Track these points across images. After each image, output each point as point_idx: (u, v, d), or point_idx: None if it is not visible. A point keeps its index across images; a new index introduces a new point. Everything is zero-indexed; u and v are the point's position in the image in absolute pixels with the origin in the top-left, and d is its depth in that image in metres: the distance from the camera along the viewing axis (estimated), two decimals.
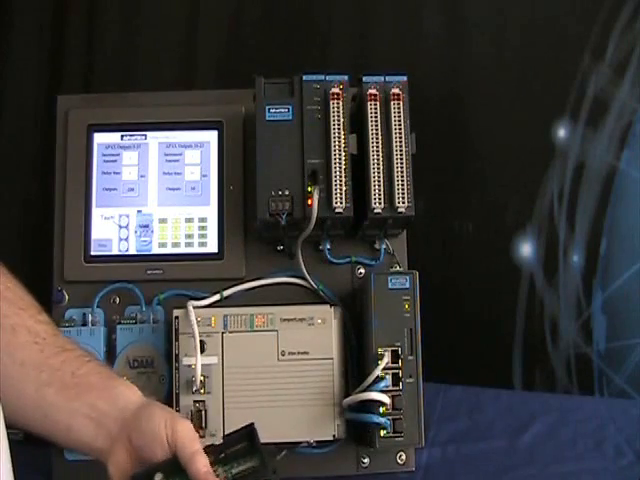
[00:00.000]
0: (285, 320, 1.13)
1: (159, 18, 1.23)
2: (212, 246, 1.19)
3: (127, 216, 1.19)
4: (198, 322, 1.11)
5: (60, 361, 0.91)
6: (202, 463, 0.85)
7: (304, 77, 1.14)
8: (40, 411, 0.90)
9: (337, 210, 1.10)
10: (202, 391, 1.10)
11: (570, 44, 1.71)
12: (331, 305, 1.15)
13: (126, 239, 1.19)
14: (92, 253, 1.19)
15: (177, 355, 1.11)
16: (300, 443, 1.12)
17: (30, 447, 1.08)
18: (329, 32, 1.56)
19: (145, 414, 0.89)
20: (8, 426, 0.82)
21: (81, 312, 1.18)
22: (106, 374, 0.92)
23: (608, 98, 1.69)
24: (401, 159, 1.12)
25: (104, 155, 1.20)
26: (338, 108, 1.12)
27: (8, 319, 0.91)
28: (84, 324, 1.17)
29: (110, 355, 1.16)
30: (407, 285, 1.09)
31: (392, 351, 1.08)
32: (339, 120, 1.12)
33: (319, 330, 1.13)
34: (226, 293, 1.17)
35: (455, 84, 1.71)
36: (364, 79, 1.15)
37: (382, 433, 1.06)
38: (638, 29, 1.69)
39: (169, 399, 1.12)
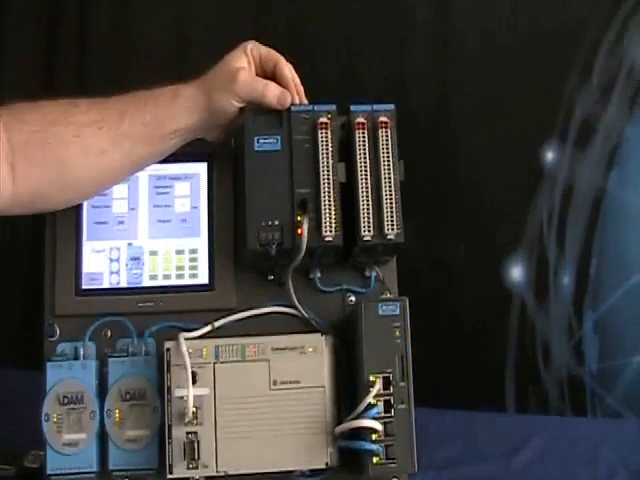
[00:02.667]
0: (277, 349, 1.12)
1: (148, 53, 1.24)
2: (203, 277, 1.18)
3: (118, 249, 1.19)
4: (190, 353, 1.10)
5: (127, 126, 1.08)
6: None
7: (292, 108, 1.13)
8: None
9: (327, 239, 1.10)
10: (194, 422, 1.09)
11: (556, 67, 1.72)
12: (322, 334, 1.14)
13: (117, 272, 1.18)
14: (83, 287, 1.18)
15: (169, 387, 1.10)
16: (293, 472, 1.11)
17: None
18: (317, 62, 1.57)
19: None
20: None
21: (73, 346, 1.16)
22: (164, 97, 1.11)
23: (595, 119, 1.70)
24: (390, 186, 1.11)
25: None
26: (326, 137, 1.12)
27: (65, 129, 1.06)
28: (76, 358, 1.16)
29: (102, 388, 1.14)
30: (397, 312, 1.09)
31: (383, 378, 1.07)
32: (327, 149, 1.12)
33: (310, 359, 1.12)
34: (217, 324, 1.16)
35: (443, 110, 1.71)
36: (352, 108, 1.15)
37: (375, 460, 1.06)
38: (623, 50, 1.70)
39: (162, 431, 1.11)
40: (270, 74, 1.15)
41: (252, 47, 1.15)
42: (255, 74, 1.15)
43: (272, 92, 1.12)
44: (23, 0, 1.86)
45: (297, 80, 1.16)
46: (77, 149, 1.07)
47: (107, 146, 1.08)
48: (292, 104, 1.13)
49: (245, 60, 1.14)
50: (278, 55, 1.15)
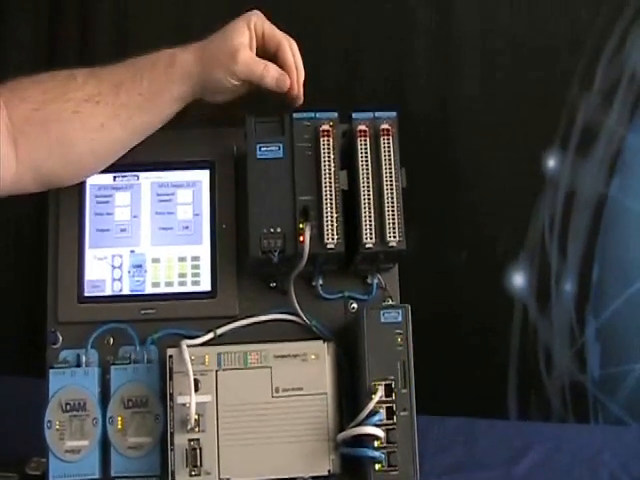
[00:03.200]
0: (279, 357, 1.12)
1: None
2: (205, 285, 1.18)
3: (120, 256, 1.19)
4: (192, 360, 1.10)
5: (124, 98, 1.09)
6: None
7: (294, 115, 1.14)
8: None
9: (329, 246, 1.10)
10: (197, 429, 1.09)
11: (558, 74, 1.72)
12: (324, 341, 1.14)
13: (119, 279, 1.18)
14: (86, 294, 1.18)
15: (171, 394, 1.10)
16: (295, 479, 1.11)
17: None
18: (318, 68, 1.57)
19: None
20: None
21: (75, 353, 1.16)
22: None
23: (597, 126, 1.70)
24: (391, 194, 1.12)
25: (97, 196, 1.20)
26: (328, 145, 1.13)
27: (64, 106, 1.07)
28: (78, 365, 1.15)
29: (104, 395, 1.14)
30: (399, 319, 1.09)
31: (385, 385, 1.07)
32: (329, 157, 1.12)
33: (313, 366, 1.12)
34: (220, 331, 1.16)
35: (444, 116, 1.71)
36: (354, 115, 1.15)
37: (377, 467, 1.06)
38: (625, 57, 1.70)
39: (164, 438, 1.11)
40: (271, 54, 1.15)
41: (256, 21, 1.14)
42: (255, 52, 1.14)
43: (271, 75, 1.13)
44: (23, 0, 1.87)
45: (299, 62, 1.16)
46: (77, 125, 1.08)
47: (105, 120, 1.09)
48: (294, 110, 1.14)
49: (247, 35, 1.13)
50: (281, 36, 1.15)
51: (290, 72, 1.14)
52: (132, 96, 1.10)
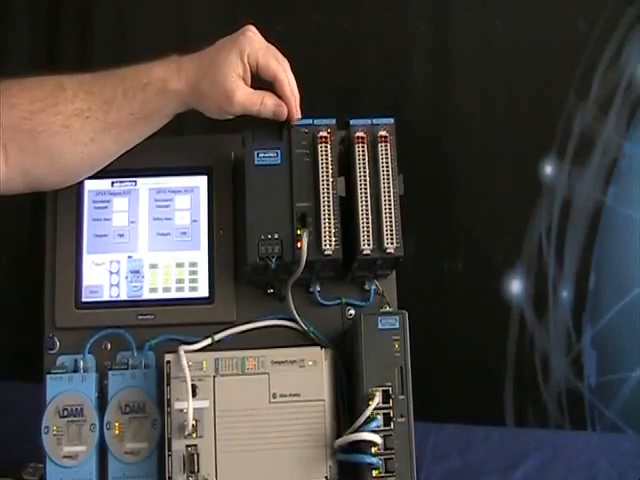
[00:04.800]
0: (276, 363, 1.12)
1: (148, 53, 1.24)
2: (203, 290, 1.18)
3: (118, 262, 1.19)
4: (189, 366, 1.10)
5: (114, 115, 1.08)
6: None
7: None
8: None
9: (326, 252, 1.10)
10: (194, 435, 1.09)
11: (555, 84, 1.72)
12: (322, 347, 1.14)
13: (117, 285, 1.18)
14: (83, 299, 1.18)
15: (169, 400, 1.10)
16: None
17: None
18: (316, 75, 1.57)
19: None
20: None
21: (73, 359, 1.16)
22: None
23: (594, 135, 1.70)
24: (389, 200, 1.12)
25: (95, 202, 1.20)
26: (326, 152, 1.12)
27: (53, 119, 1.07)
28: (76, 370, 1.15)
29: (102, 401, 1.14)
30: (397, 325, 1.09)
31: (383, 391, 1.07)
32: (327, 163, 1.12)
33: (310, 372, 1.12)
34: (217, 337, 1.16)
35: (442, 124, 1.72)
36: (352, 122, 1.15)
37: (374, 473, 1.05)
38: (621, 66, 1.70)
39: (161, 443, 1.11)
40: (267, 83, 1.13)
41: (249, 52, 1.09)
42: (250, 84, 1.11)
43: (268, 109, 1.11)
44: (23, 1, 1.87)
45: (294, 88, 1.13)
46: (66, 138, 1.08)
47: (95, 135, 1.09)
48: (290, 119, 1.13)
49: (241, 69, 1.09)
50: (276, 67, 1.11)
51: (288, 102, 1.12)
52: (123, 115, 1.09)
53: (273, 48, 1.12)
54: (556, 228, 1.67)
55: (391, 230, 1.11)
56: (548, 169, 1.70)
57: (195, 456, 1.09)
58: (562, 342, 1.64)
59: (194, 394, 1.09)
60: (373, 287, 1.20)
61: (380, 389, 1.07)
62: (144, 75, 1.10)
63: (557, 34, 1.74)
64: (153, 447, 1.13)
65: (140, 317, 1.17)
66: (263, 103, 1.11)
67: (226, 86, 1.09)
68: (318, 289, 1.19)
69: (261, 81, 1.11)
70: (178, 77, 1.10)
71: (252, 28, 1.12)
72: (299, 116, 1.14)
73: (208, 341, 1.16)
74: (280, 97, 1.12)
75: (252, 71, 1.11)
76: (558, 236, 1.67)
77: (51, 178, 1.12)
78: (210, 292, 1.18)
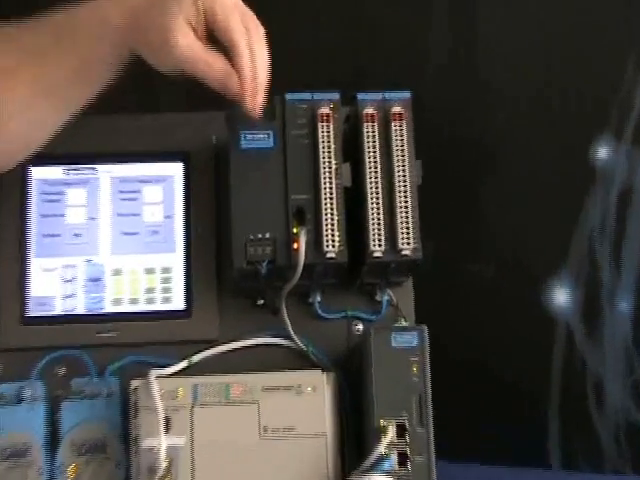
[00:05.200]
0: (267, 389, 1.13)
1: None
2: (178, 302, 1.20)
3: (73, 267, 1.20)
4: (162, 395, 1.11)
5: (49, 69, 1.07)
6: None
7: (287, 96, 1.15)
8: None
9: (329, 255, 1.11)
10: (167, 478, 1.09)
11: (611, 52, 1.73)
12: (323, 370, 1.15)
13: (72, 296, 1.19)
14: (30, 314, 1.18)
15: (136, 436, 1.10)
16: None
17: None
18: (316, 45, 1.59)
19: None
20: None
21: (16, 386, 1.16)
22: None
23: None
24: (405, 191, 1.13)
25: (44, 194, 1.21)
26: (328, 132, 1.14)
27: None
28: (20, 401, 1.15)
29: (53, 439, 1.14)
30: (414, 343, 1.10)
31: (397, 424, 1.08)
32: (329, 146, 1.13)
33: (308, 400, 1.13)
34: (195, 359, 1.18)
35: (468, 98, 1.72)
36: (359, 97, 1.16)
37: None
38: None
39: None
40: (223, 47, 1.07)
41: (209, 1, 1.04)
42: (200, 36, 1.05)
43: (215, 74, 1.05)
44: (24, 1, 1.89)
45: (261, 74, 1.07)
46: None
47: (29, 99, 1.08)
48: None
49: (192, 14, 1.04)
50: (237, 31, 1.05)
51: (242, 81, 1.05)
52: (60, 69, 1.08)
53: (247, 10, 1.07)
54: (612, 223, 1.68)
55: (407, 228, 1.12)
56: (602, 152, 1.71)
57: None
58: (620, 364, 1.65)
59: (167, 428, 1.10)
60: (385, 297, 1.21)
61: (394, 421, 1.08)
62: (79, 12, 1.08)
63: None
64: None
65: (100, 335, 1.18)
66: (209, 63, 1.05)
67: (168, 25, 1.04)
68: (319, 299, 1.20)
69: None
70: (118, 7, 1.07)
71: None
72: (255, 109, 1.08)
73: (184, 364, 1.17)
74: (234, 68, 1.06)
75: (208, 26, 1.05)
76: (615, 233, 1.68)
77: None
78: (187, 304, 1.19)
